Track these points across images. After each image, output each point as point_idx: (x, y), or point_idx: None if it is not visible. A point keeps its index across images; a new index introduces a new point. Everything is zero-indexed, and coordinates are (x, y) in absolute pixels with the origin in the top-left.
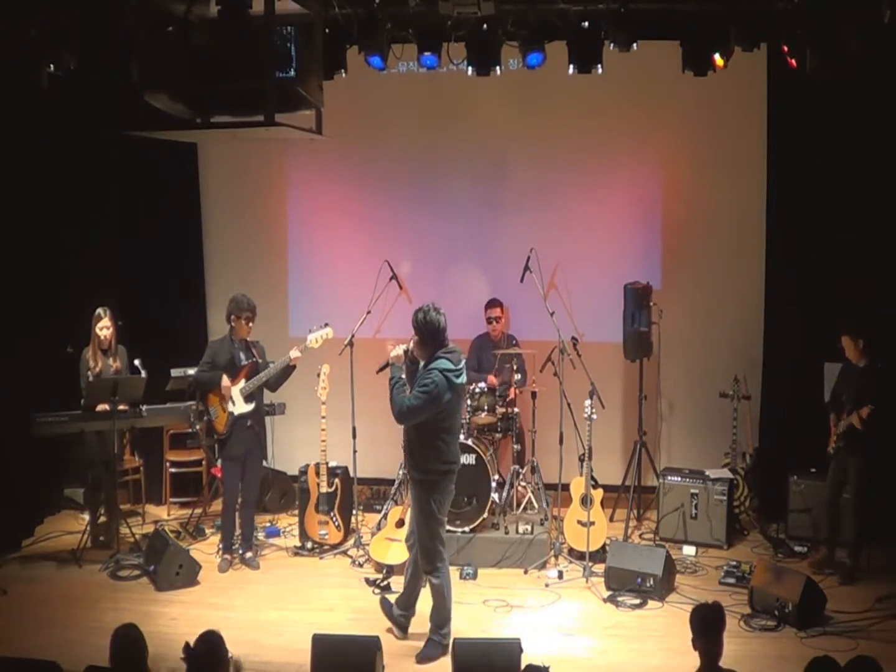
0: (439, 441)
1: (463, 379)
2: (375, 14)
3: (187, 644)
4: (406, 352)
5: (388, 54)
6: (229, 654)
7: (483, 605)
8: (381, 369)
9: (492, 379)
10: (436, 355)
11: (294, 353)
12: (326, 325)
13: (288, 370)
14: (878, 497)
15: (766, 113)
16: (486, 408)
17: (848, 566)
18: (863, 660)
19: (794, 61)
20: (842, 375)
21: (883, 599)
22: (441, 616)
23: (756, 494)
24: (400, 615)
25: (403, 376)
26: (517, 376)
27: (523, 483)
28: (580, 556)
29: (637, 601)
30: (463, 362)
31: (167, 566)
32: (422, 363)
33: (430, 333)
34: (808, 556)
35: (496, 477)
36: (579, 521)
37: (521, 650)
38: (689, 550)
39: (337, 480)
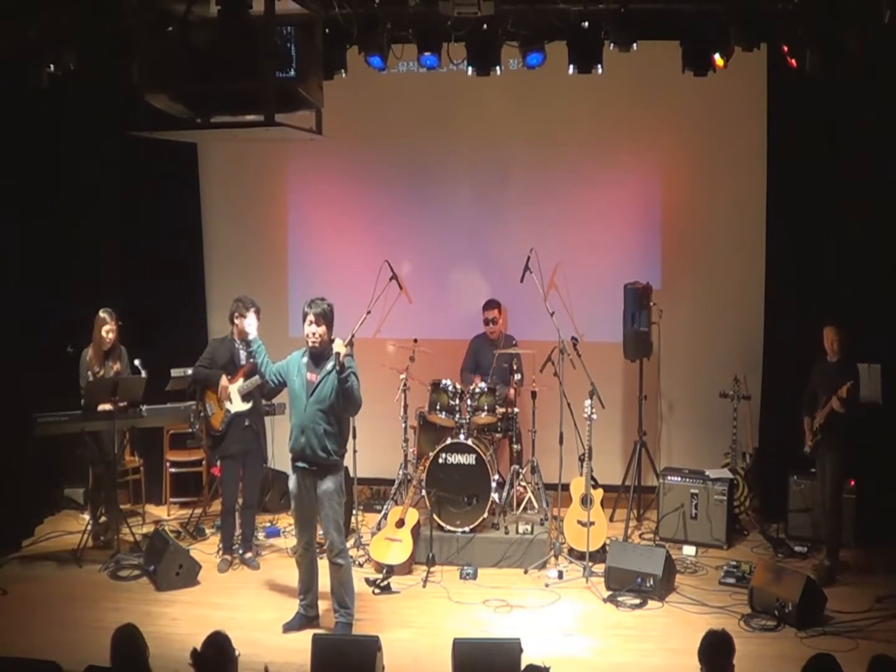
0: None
1: None
2: (375, 14)
3: (195, 650)
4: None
5: (388, 54)
6: (236, 653)
7: (483, 605)
8: (344, 373)
9: (476, 379)
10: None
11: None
12: None
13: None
14: (878, 497)
15: (766, 113)
16: (486, 408)
17: (826, 567)
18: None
19: (794, 61)
20: (815, 374)
21: (883, 599)
22: (351, 596)
23: (756, 494)
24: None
25: None
26: (517, 376)
27: (523, 483)
28: (580, 556)
29: (637, 601)
30: None
31: (167, 566)
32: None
33: (332, 322)
34: (807, 555)
35: (496, 477)
36: (579, 521)
37: (521, 650)
38: (689, 550)
39: None
